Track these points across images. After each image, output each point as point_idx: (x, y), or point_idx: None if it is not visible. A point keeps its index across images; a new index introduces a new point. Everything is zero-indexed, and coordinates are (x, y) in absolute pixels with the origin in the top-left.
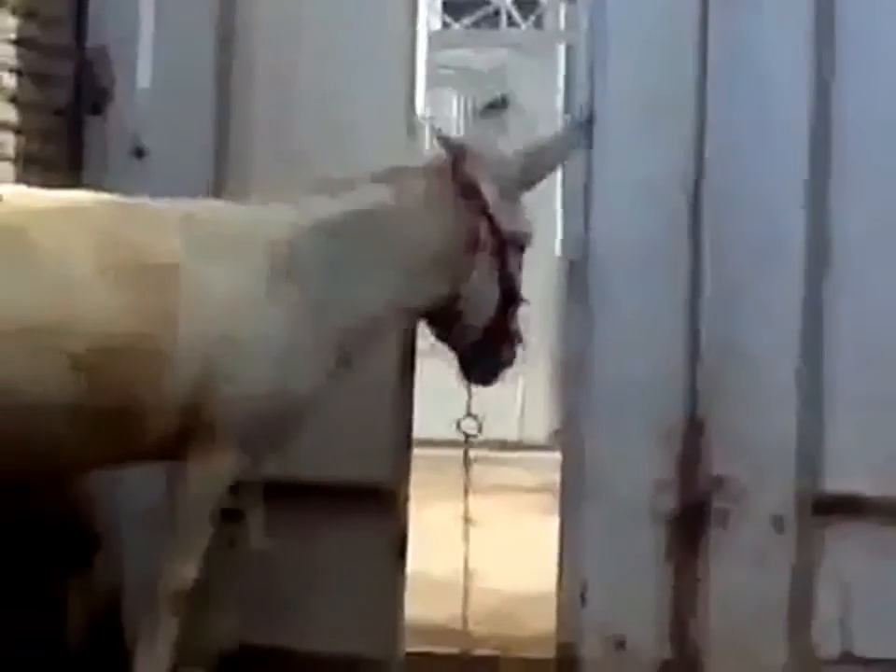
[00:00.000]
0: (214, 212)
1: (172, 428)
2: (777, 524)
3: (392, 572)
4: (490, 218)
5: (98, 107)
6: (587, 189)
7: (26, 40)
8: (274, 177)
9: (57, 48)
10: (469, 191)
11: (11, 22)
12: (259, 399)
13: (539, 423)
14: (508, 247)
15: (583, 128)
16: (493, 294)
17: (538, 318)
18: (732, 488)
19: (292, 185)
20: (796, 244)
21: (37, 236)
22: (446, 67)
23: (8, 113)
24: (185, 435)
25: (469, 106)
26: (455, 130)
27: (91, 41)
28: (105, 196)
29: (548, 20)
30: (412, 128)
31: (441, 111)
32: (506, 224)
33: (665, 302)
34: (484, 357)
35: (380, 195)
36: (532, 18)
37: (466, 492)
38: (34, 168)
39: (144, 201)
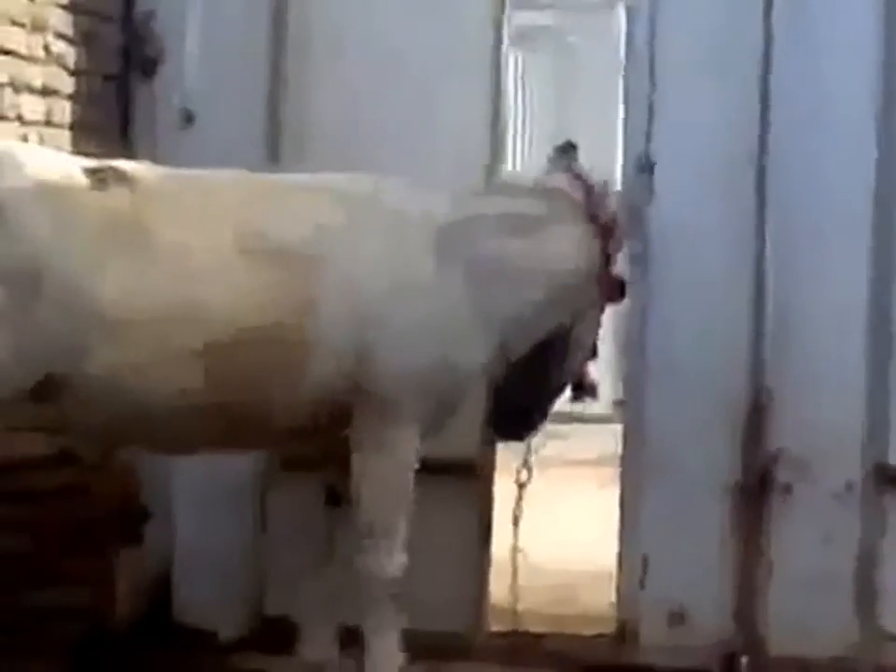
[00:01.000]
0: (369, 190)
1: (306, 418)
2: (843, 497)
3: (478, 548)
4: (609, 259)
5: (148, 72)
6: (647, 158)
7: (75, 5)
8: (329, 145)
9: (106, 13)
10: (598, 226)
11: None
12: (425, 375)
13: (602, 395)
14: (613, 294)
15: (644, 178)
16: (591, 339)
17: None
18: (796, 461)
19: (350, 151)
20: (863, 215)
21: (165, 223)
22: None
23: (59, 79)
24: (334, 422)
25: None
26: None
27: (141, 6)
28: (247, 176)
29: None
30: (495, 93)
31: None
32: (616, 268)
33: (729, 273)
34: (539, 408)
35: (532, 203)
36: None
37: (516, 522)
38: (84, 134)
39: (291, 178)
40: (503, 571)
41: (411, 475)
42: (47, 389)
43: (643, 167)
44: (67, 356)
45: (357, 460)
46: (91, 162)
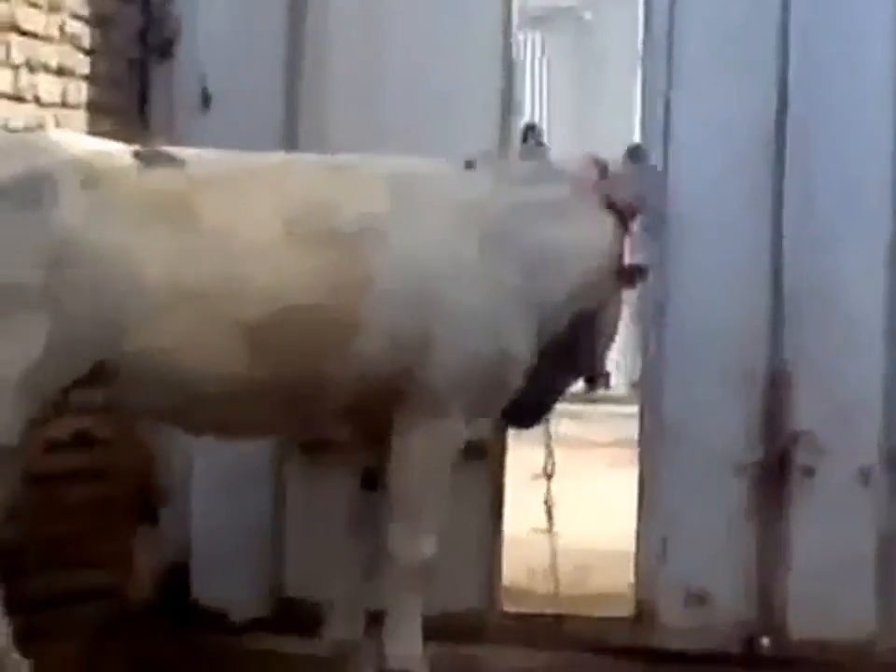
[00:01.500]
0: (421, 173)
1: (353, 399)
2: (863, 477)
3: (490, 528)
4: (625, 243)
5: (165, 54)
6: (666, 131)
7: None
8: (347, 125)
9: None
10: (615, 210)
11: None
12: (475, 361)
13: (619, 376)
14: (630, 279)
15: (639, 167)
16: (614, 325)
17: None
18: (816, 440)
19: (366, 131)
20: (882, 186)
21: (212, 205)
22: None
23: (75, 60)
24: (381, 404)
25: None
26: (532, 70)
27: None
28: (296, 158)
29: None
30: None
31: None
32: (631, 254)
33: (748, 255)
34: (554, 397)
35: (560, 187)
36: None
37: (549, 514)
38: (100, 116)
39: (340, 160)
40: (521, 553)
41: (452, 462)
42: (99, 373)
43: (636, 156)
44: (117, 339)
45: (399, 443)
46: (140, 147)
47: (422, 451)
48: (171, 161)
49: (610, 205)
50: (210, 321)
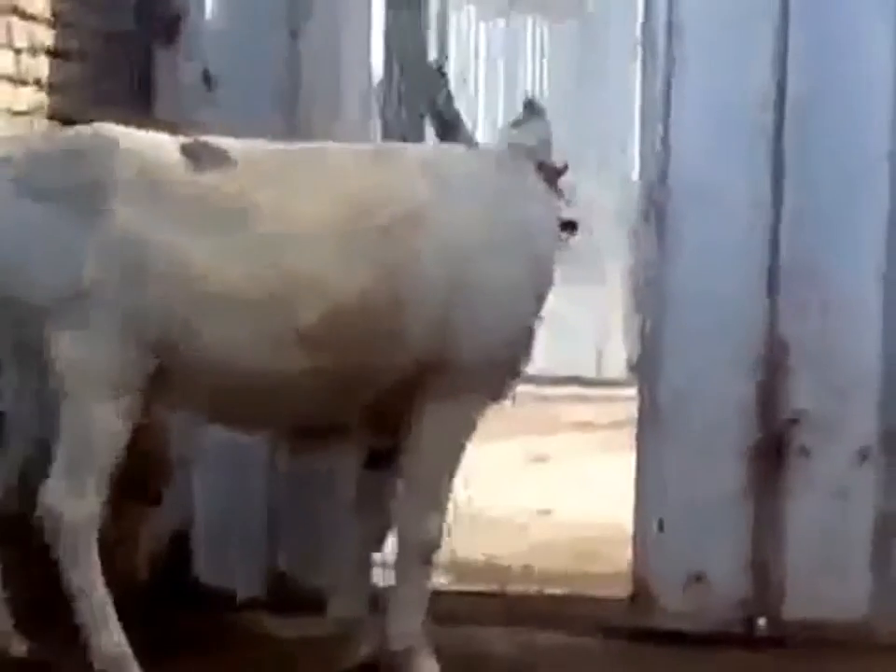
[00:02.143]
0: (449, 156)
1: (392, 383)
2: (861, 457)
3: None
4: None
5: (168, 35)
6: (665, 108)
7: None
8: (350, 111)
9: None
10: (545, 171)
11: None
12: (501, 341)
13: (617, 359)
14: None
15: (534, 123)
16: None
17: (615, 248)
18: (814, 420)
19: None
20: (881, 164)
21: (262, 200)
22: None
23: (75, 42)
24: (415, 386)
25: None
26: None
27: None
28: (343, 147)
29: None
30: None
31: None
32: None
33: (746, 228)
34: None
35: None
36: None
37: None
38: (103, 98)
39: (381, 146)
40: (521, 532)
41: (467, 442)
42: (161, 371)
43: (532, 110)
44: (177, 336)
45: (420, 424)
46: (186, 140)
47: (442, 431)
48: (219, 156)
49: (540, 167)
50: (266, 319)
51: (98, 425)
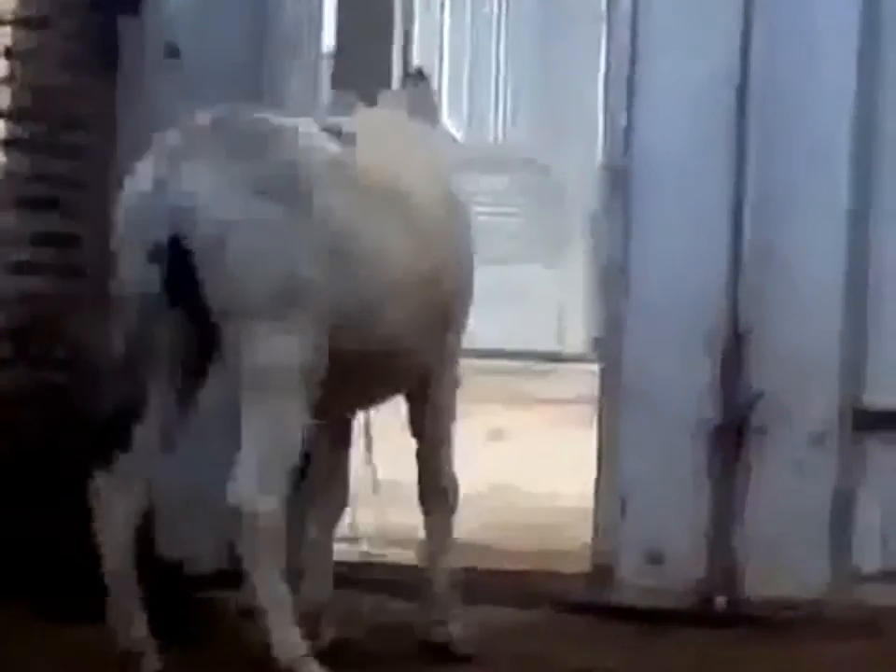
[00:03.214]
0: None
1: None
2: (819, 438)
3: None
4: None
5: (135, 6)
6: (630, 91)
7: None
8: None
9: None
10: None
11: None
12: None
13: (579, 335)
14: None
15: (419, 89)
16: None
17: (578, 228)
18: (773, 401)
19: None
20: (842, 150)
21: (391, 178)
22: None
23: (40, 10)
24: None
25: None
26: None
27: None
28: (413, 126)
29: None
30: None
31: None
32: None
33: (709, 209)
34: None
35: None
36: None
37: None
38: (67, 68)
39: (417, 124)
40: (481, 507)
41: None
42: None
43: (417, 78)
44: (358, 322)
45: (436, 392)
46: (320, 121)
47: (450, 393)
48: (347, 136)
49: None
50: (425, 302)
51: (292, 420)
